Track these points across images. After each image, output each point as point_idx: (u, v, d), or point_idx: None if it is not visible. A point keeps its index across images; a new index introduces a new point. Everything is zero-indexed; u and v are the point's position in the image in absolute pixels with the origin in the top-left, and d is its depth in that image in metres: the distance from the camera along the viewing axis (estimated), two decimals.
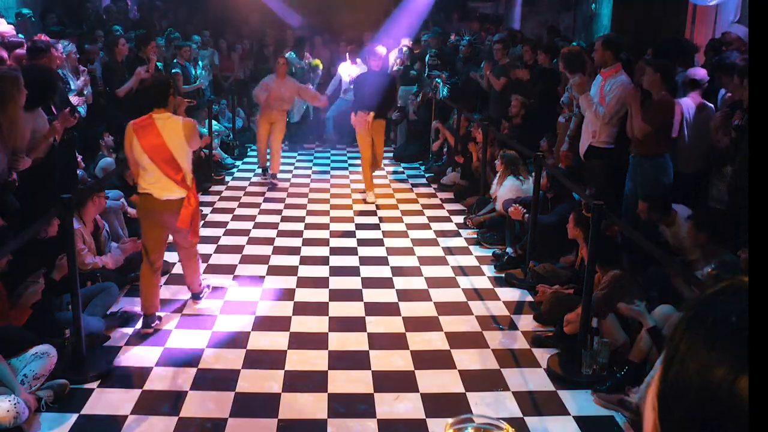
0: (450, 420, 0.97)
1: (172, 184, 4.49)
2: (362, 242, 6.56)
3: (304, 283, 5.55)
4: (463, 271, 5.85)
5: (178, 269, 5.75)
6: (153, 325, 4.66)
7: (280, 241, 6.54)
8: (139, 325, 4.69)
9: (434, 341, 4.57)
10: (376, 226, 7.06)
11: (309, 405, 3.78)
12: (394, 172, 9.56)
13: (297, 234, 6.73)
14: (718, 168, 5.09)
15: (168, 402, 3.78)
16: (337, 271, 5.79)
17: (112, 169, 6.40)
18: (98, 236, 5.13)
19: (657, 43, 7.02)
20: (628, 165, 5.57)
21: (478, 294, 5.36)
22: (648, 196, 4.89)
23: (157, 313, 4.73)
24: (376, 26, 12.22)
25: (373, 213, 7.56)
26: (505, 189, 6.54)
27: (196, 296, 5.16)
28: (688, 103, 5.46)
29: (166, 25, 11.43)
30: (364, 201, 7.93)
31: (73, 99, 6.29)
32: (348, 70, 10.60)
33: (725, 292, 0.60)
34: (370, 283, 5.57)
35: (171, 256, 6.01)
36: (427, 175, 9.29)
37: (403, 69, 10.63)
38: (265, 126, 8.78)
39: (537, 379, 4.11)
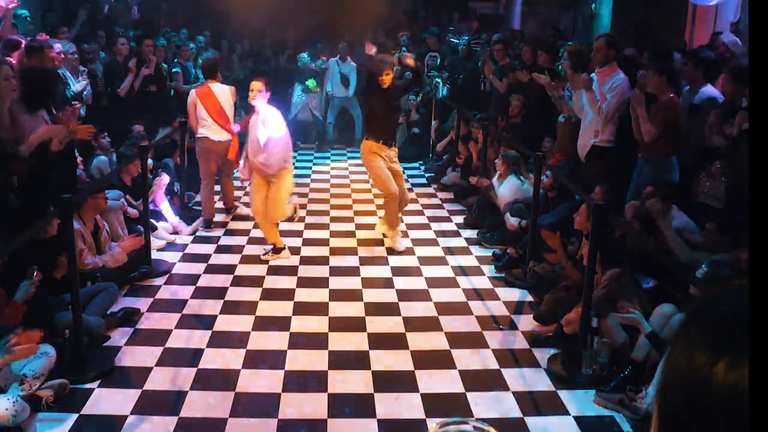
0: (434, 425, 0.98)
1: (221, 130, 6.67)
2: (362, 242, 6.56)
3: (304, 283, 5.55)
4: (463, 271, 5.85)
5: (177, 269, 5.77)
6: (211, 227, 6.80)
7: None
8: (200, 224, 6.79)
9: (434, 341, 4.57)
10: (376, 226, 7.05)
11: (309, 405, 3.78)
12: None
13: (297, 234, 6.73)
14: (708, 165, 5.10)
15: (168, 402, 3.78)
16: (337, 271, 5.79)
17: (106, 167, 6.41)
18: (98, 236, 5.14)
19: (654, 46, 7.03)
20: (629, 164, 5.58)
21: (478, 294, 5.36)
22: (661, 183, 4.92)
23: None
24: (375, 26, 12.21)
25: (373, 213, 7.56)
26: (506, 188, 6.54)
27: (229, 210, 7.21)
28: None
29: (167, 24, 11.43)
30: (392, 247, 6.31)
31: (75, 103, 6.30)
32: (335, 70, 10.63)
33: (728, 292, 0.62)
34: (370, 283, 5.57)
35: (171, 256, 6.02)
36: (427, 175, 9.29)
37: (402, 69, 10.61)
38: (260, 188, 5.83)
39: (537, 379, 4.11)
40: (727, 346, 0.57)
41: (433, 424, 1.09)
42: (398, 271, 5.82)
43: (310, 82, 10.83)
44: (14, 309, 3.87)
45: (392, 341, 4.56)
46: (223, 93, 6.74)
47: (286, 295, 5.28)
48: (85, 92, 6.81)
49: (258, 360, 4.27)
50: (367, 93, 6.47)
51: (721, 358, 0.56)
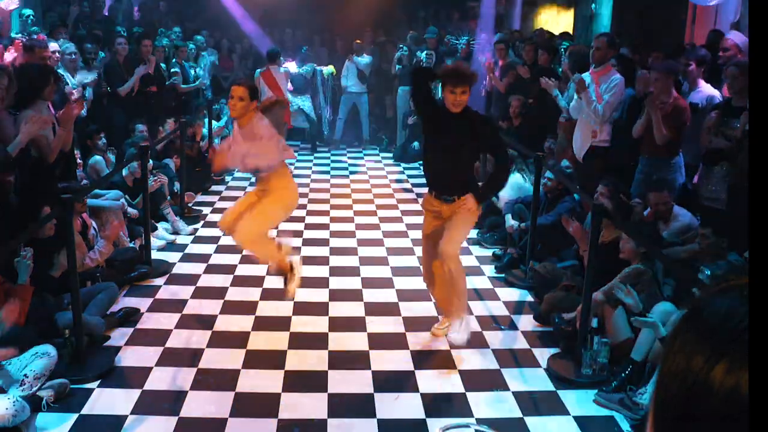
0: (437, 430, 0.98)
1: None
2: (362, 242, 6.56)
3: (304, 283, 5.50)
4: None
5: (177, 269, 5.77)
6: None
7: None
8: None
9: (434, 341, 4.57)
10: (376, 226, 7.06)
11: (309, 405, 3.78)
12: (394, 172, 9.56)
13: (297, 234, 6.73)
14: (709, 167, 5.11)
15: (168, 402, 3.78)
16: (337, 271, 5.79)
17: (102, 167, 6.41)
18: (86, 234, 5.10)
19: (658, 47, 7.04)
20: (627, 163, 5.59)
21: (478, 294, 5.36)
22: (665, 185, 4.95)
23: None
24: (374, 24, 12.20)
25: (373, 213, 7.56)
26: (507, 187, 6.51)
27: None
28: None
29: (164, 24, 11.42)
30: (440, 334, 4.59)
31: (69, 89, 6.28)
32: (350, 66, 10.66)
33: (725, 291, 0.62)
34: (370, 283, 5.57)
35: (171, 256, 6.02)
36: None
37: (402, 69, 10.62)
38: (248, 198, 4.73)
39: (537, 379, 4.11)
40: (725, 348, 0.56)
41: (435, 427, 1.09)
42: (398, 271, 5.81)
43: (327, 70, 10.95)
44: (23, 290, 3.86)
45: (392, 341, 4.56)
46: (278, 73, 9.42)
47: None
48: (86, 92, 6.79)
49: (258, 360, 4.27)
50: (422, 110, 4.48)
51: (720, 360, 0.56)
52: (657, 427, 0.62)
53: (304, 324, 4.78)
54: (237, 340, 4.52)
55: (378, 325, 4.80)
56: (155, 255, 5.85)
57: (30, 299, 3.88)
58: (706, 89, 5.63)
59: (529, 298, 5.28)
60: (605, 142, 5.77)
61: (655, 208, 4.90)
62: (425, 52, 10.40)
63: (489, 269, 5.90)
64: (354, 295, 5.31)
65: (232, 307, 5.04)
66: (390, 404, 3.80)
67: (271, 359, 4.27)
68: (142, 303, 5.04)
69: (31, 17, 8.07)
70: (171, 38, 10.34)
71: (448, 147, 4.18)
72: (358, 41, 10.96)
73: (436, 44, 10.70)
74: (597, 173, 5.76)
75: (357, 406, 3.78)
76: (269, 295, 5.29)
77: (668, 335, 0.64)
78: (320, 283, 5.54)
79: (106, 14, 10.88)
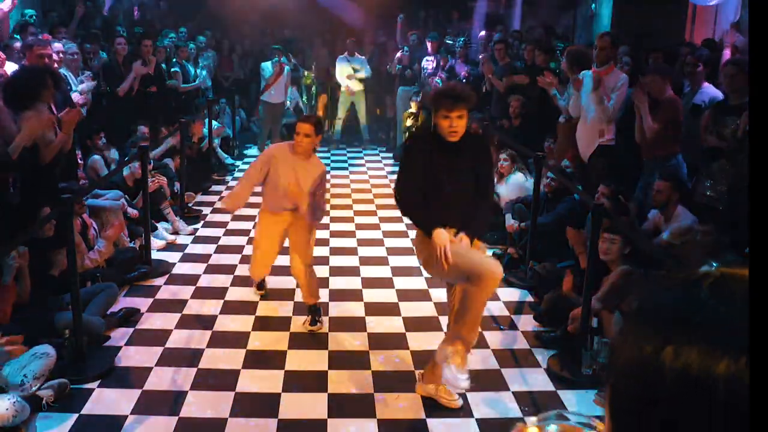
0: (533, 418, 0.96)
1: (272, 95, 10.04)
2: (362, 242, 6.56)
3: None
4: None
5: (177, 269, 5.76)
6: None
7: None
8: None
9: (434, 341, 4.56)
10: (376, 226, 7.06)
11: (309, 405, 3.78)
12: (394, 172, 9.56)
13: None
14: (706, 166, 5.11)
15: (168, 402, 3.78)
16: (337, 271, 5.79)
17: (101, 167, 6.41)
18: (86, 234, 5.11)
19: (657, 47, 7.05)
20: (633, 163, 5.60)
21: None
22: (671, 175, 4.93)
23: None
24: (376, 25, 12.19)
25: (373, 213, 7.56)
26: (510, 186, 6.52)
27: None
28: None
29: (166, 25, 11.43)
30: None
31: (75, 96, 6.28)
32: (344, 70, 10.64)
33: (670, 286, 0.64)
34: (370, 283, 5.57)
35: (171, 256, 6.02)
36: None
37: (402, 69, 10.61)
38: (272, 234, 4.74)
39: (537, 379, 4.11)
40: (670, 333, 0.58)
41: (435, 427, 1.08)
42: (398, 271, 5.82)
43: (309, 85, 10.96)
44: (4, 291, 3.84)
45: (392, 341, 4.56)
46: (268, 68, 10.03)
47: (286, 295, 5.28)
48: (86, 88, 6.77)
49: (258, 360, 4.27)
50: (412, 145, 3.74)
51: (668, 344, 0.58)
52: (615, 420, 0.63)
53: (304, 324, 4.78)
54: (237, 340, 4.52)
55: (378, 325, 4.80)
56: (155, 255, 5.85)
57: (12, 300, 3.87)
58: (710, 90, 5.63)
59: (529, 298, 5.28)
60: (611, 141, 5.78)
61: (654, 194, 4.88)
62: (425, 58, 10.38)
63: None
64: (354, 295, 5.31)
65: (232, 307, 5.04)
66: (390, 404, 3.80)
67: (271, 359, 4.28)
68: (142, 303, 5.04)
69: (33, 17, 8.07)
70: (177, 38, 10.33)
71: (455, 187, 3.49)
72: (352, 39, 10.95)
73: (436, 49, 10.69)
74: (604, 172, 5.77)
75: (357, 406, 3.78)
76: (269, 295, 5.29)
77: (618, 332, 0.66)
78: (320, 283, 5.52)
79: (106, 14, 10.89)
